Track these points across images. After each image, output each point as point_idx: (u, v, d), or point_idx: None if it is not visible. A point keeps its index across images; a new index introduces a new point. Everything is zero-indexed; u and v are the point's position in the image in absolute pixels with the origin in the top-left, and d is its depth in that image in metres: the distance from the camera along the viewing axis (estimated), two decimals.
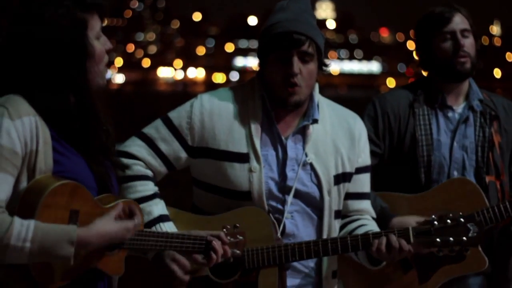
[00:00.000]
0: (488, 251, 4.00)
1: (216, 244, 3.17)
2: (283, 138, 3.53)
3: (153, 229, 3.43)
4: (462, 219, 3.43)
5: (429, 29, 4.19)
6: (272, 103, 3.52)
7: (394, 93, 4.27)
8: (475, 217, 3.46)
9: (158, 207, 3.49)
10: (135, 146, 3.52)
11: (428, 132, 4.13)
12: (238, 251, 3.30)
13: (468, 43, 4.16)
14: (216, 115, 3.52)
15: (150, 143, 3.52)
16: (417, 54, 4.29)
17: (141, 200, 3.46)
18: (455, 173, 4.12)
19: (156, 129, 3.54)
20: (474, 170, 4.14)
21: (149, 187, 3.51)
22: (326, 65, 3.56)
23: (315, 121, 3.54)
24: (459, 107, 4.19)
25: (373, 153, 4.07)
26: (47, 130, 2.76)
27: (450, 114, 4.18)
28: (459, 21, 4.17)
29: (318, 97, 3.60)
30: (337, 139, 3.59)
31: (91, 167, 2.84)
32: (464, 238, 3.42)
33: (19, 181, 2.72)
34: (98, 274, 2.85)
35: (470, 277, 4.11)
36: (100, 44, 2.88)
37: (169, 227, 3.45)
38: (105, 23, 2.93)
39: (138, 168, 3.50)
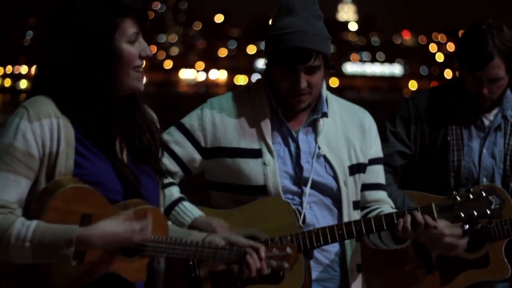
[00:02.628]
0: None
1: (251, 260, 2.96)
2: (293, 132, 3.57)
3: (176, 208, 3.50)
4: (483, 193, 3.44)
5: (464, 59, 4.07)
6: (277, 99, 3.56)
7: (428, 95, 4.21)
8: (496, 190, 3.48)
9: (178, 190, 3.57)
10: None
11: (459, 137, 4.10)
12: (287, 264, 3.03)
13: (495, 87, 4.02)
14: (226, 115, 3.57)
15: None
16: (457, 56, 4.16)
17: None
18: (484, 179, 4.11)
19: (169, 133, 3.60)
20: (502, 178, 4.13)
21: (174, 192, 3.56)
22: (333, 67, 3.58)
23: (324, 114, 3.58)
24: (491, 114, 4.15)
25: (401, 154, 4.12)
26: (72, 132, 2.77)
27: (481, 120, 4.14)
28: (492, 69, 3.97)
29: (326, 93, 3.63)
30: (348, 131, 3.62)
31: (118, 172, 2.81)
32: (487, 210, 3.42)
33: (37, 182, 2.72)
34: (118, 280, 2.77)
35: (497, 282, 4.11)
36: (133, 48, 2.84)
37: (189, 206, 3.51)
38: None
39: None
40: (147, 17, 2.88)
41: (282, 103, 3.55)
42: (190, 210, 3.50)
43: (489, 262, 3.98)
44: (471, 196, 3.43)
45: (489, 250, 3.98)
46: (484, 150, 4.10)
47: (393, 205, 3.72)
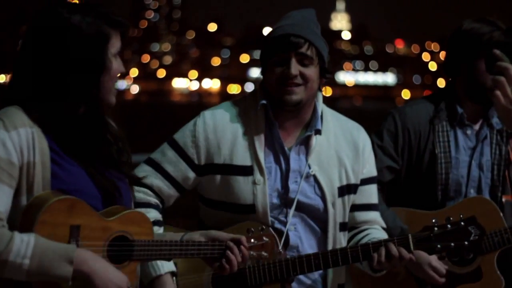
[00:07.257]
0: (507, 270, 3.96)
1: (232, 255, 2.99)
2: (286, 149, 3.52)
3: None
4: (462, 223, 3.34)
5: (474, 48, 3.97)
6: (274, 111, 3.52)
7: (414, 108, 4.14)
8: (476, 220, 3.38)
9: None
10: (142, 172, 3.50)
11: (446, 150, 4.04)
12: (265, 254, 3.17)
13: None
14: (220, 131, 3.51)
15: (156, 167, 3.53)
16: (446, 63, 4.11)
17: None
18: (472, 191, 4.05)
19: (162, 152, 3.55)
20: (489, 189, 4.07)
21: (150, 215, 3.36)
22: (329, 72, 3.54)
23: (318, 131, 3.53)
24: (477, 124, 4.09)
25: (390, 169, 4.07)
26: (45, 141, 2.76)
27: (469, 131, 4.08)
28: None
29: (321, 107, 3.58)
30: (340, 150, 3.56)
31: (93, 178, 2.82)
32: (466, 242, 3.33)
33: (19, 193, 2.71)
34: None
35: None
36: (117, 63, 2.86)
37: (167, 265, 3.36)
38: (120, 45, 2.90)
39: (140, 195, 3.46)
40: (128, 32, 2.92)
41: (275, 106, 3.49)
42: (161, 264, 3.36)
43: (481, 276, 3.91)
44: (449, 227, 3.33)
45: (480, 264, 3.91)
46: (473, 162, 4.05)
47: (384, 225, 3.68)
